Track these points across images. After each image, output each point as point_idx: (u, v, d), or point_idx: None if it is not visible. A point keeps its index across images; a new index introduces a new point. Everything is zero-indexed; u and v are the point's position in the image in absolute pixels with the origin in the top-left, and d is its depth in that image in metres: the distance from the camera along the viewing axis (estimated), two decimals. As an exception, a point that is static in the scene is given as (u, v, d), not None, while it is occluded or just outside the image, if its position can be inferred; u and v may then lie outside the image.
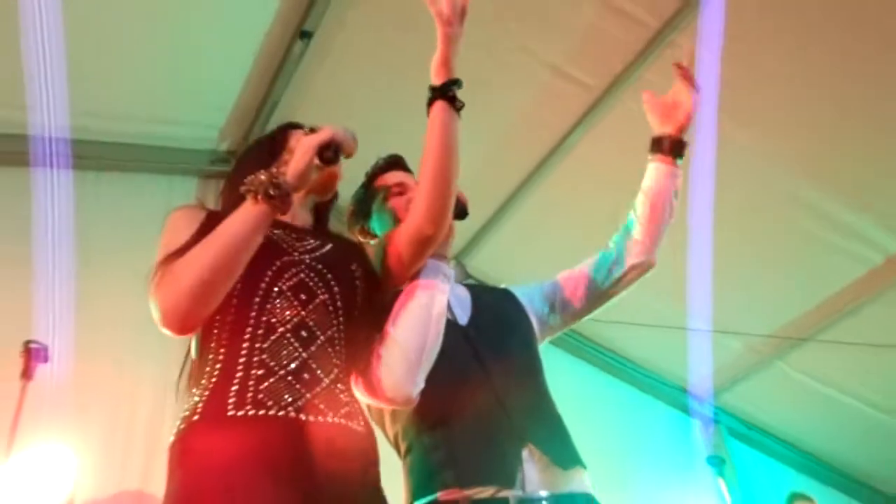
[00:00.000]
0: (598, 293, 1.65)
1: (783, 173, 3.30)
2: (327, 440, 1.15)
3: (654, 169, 1.67)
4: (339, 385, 1.22)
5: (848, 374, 4.12)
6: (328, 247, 1.33)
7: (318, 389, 1.18)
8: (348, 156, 1.36)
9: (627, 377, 4.44)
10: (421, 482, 1.42)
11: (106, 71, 2.87)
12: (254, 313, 1.20)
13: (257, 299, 1.21)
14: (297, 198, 1.34)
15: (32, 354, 2.48)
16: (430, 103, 1.35)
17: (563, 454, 1.43)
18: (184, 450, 1.13)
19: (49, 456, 2.62)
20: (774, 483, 4.40)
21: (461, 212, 1.52)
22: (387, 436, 1.53)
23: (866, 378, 4.10)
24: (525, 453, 1.39)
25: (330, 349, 1.23)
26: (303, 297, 1.23)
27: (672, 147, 1.66)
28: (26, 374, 2.45)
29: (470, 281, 1.72)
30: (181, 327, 1.16)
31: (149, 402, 2.91)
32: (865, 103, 3.02)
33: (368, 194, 1.68)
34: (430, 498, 1.39)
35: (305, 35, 2.93)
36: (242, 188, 1.22)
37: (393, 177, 1.66)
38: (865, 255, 3.55)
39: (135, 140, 3.11)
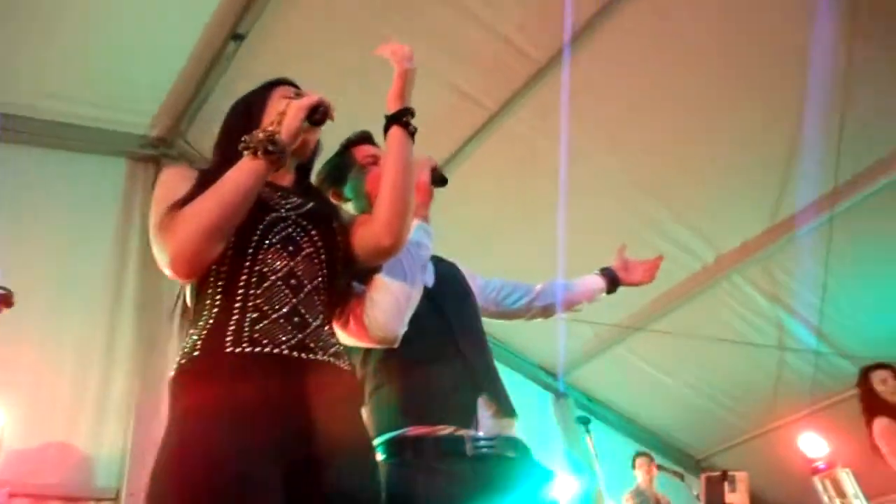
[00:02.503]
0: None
1: (631, 191, 3.86)
2: (318, 376, 1.22)
3: (593, 282, 2.01)
4: (325, 328, 1.30)
5: (669, 358, 4.84)
6: (310, 205, 1.39)
7: (308, 331, 1.24)
8: (331, 119, 1.44)
9: (496, 355, 4.98)
10: (390, 418, 1.53)
11: (47, 52, 2.92)
12: (247, 263, 1.25)
13: (250, 251, 1.26)
14: None
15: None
16: (386, 130, 1.45)
17: (507, 406, 1.61)
18: (185, 382, 1.18)
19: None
20: (609, 445, 4.95)
21: (441, 179, 1.69)
22: None
23: (683, 363, 4.85)
24: (480, 402, 1.56)
25: (316, 297, 1.30)
26: (290, 249, 1.29)
27: (614, 284, 2.02)
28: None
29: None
30: (189, 270, 1.22)
31: (72, 358, 3.04)
32: (697, 138, 3.66)
33: (343, 162, 1.75)
34: (399, 432, 1.50)
35: (238, 37, 3.12)
36: (241, 145, 1.26)
37: (366, 150, 1.75)
38: (688, 262, 4.25)
39: (70, 119, 3.16)
